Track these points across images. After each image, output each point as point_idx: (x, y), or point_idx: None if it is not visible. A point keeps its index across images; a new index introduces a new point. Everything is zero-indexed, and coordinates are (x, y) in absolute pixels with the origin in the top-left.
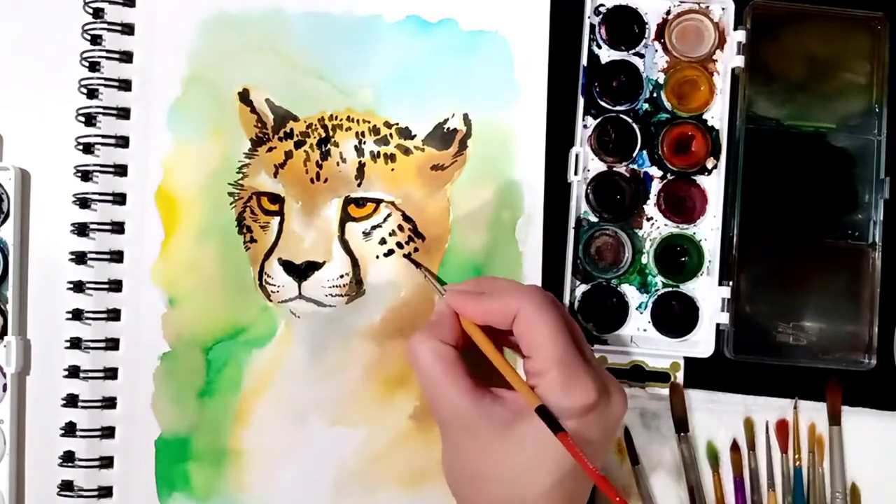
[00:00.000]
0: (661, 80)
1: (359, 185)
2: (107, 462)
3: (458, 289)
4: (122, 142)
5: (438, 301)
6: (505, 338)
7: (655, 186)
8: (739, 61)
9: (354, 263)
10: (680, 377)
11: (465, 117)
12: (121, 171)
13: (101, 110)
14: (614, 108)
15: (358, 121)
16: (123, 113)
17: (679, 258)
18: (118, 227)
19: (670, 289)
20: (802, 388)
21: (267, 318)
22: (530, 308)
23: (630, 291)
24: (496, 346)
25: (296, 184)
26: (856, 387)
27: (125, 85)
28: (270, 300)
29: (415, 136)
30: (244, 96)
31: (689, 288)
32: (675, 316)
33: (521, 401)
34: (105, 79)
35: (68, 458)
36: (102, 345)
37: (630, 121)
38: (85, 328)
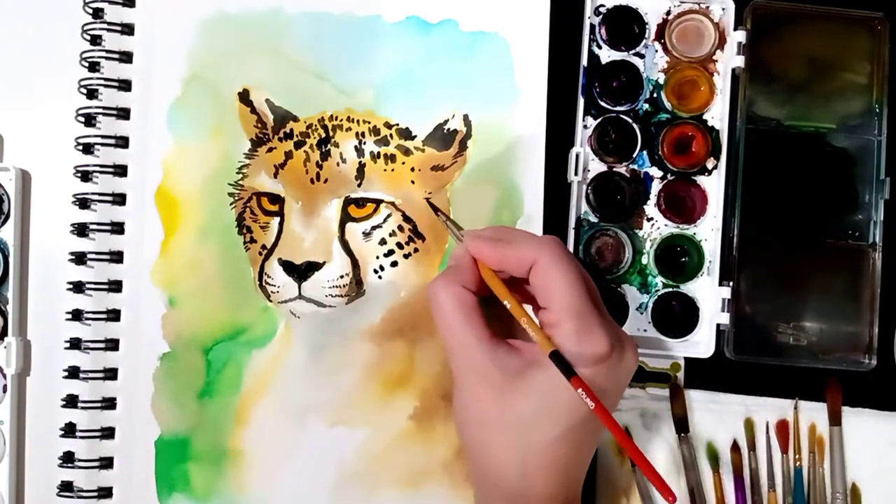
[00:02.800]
0: (661, 81)
1: (359, 185)
2: (107, 463)
3: (476, 234)
4: (122, 142)
5: (456, 246)
6: (519, 288)
7: (655, 187)
8: (739, 61)
9: (354, 264)
10: (680, 377)
11: (466, 118)
12: (121, 171)
13: (100, 110)
14: (614, 109)
15: (358, 121)
16: (123, 113)
17: (679, 258)
18: (118, 228)
19: (670, 289)
20: (802, 389)
21: (267, 318)
22: (548, 258)
23: (630, 292)
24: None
25: (296, 184)
26: (856, 387)
27: (125, 85)
28: (270, 300)
29: (415, 136)
30: (244, 96)
31: (689, 288)
32: (675, 316)
33: (536, 352)
34: (105, 79)
35: (68, 458)
36: (102, 345)
37: (630, 121)
38: (85, 329)
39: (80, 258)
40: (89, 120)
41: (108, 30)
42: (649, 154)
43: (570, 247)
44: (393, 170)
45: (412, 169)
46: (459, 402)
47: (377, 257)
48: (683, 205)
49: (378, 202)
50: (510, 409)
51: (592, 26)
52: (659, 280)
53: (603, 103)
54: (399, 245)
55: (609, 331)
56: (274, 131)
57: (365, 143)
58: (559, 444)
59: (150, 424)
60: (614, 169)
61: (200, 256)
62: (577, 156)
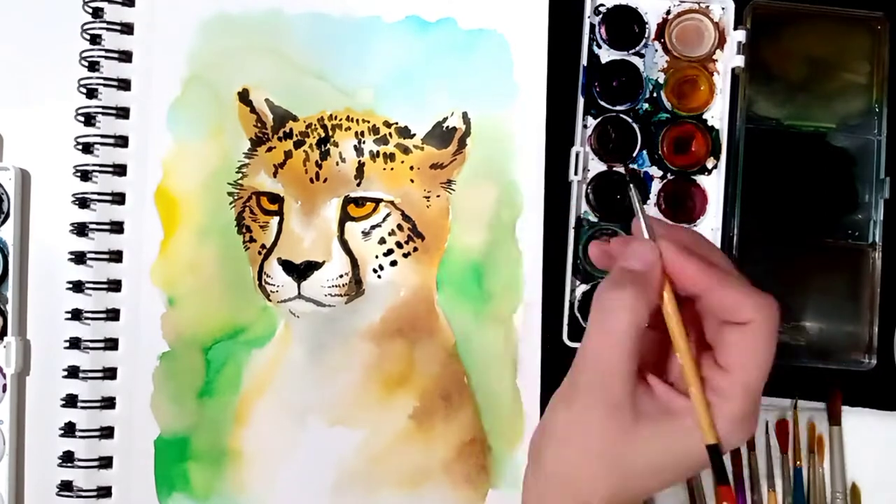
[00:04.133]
0: (661, 80)
1: (358, 184)
2: (106, 462)
3: (680, 242)
4: (122, 141)
5: (640, 243)
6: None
7: (655, 186)
8: (739, 61)
9: (354, 263)
10: None
11: (465, 116)
12: (120, 170)
13: (100, 110)
14: (614, 108)
15: (357, 120)
16: (123, 113)
17: None
18: (117, 227)
19: None
20: (802, 388)
21: (266, 317)
22: (766, 328)
23: None
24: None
25: (295, 183)
26: (856, 387)
27: (124, 85)
28: (270, 300)
29: (414, 135)
30: (244, 96)
31: None
32: None
33: (672, 400)
34: (104, 78)
35: (68, 458)
36: (102, 345)
37: (630, 121)
38: (84, 328)
39: (79, 258)
40: (89, 119)
41: (108, 29)
42: (649, 154)
43: (570, 247)
44: (392, 168)
45: (411, 167)
46: (565, 418)
47: (376, 256)
48: (683, 204)
49: (377, 201)
50: (627, 449)
51: (592, 26)
52: None
53: (603, 103)
54: (398, 244)
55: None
56: (273, 131)
57: (364, 142)
58: (652, 490)
59: (149, 424)
60: (614, 168)
61: (200, 256)
62: (577, 155)
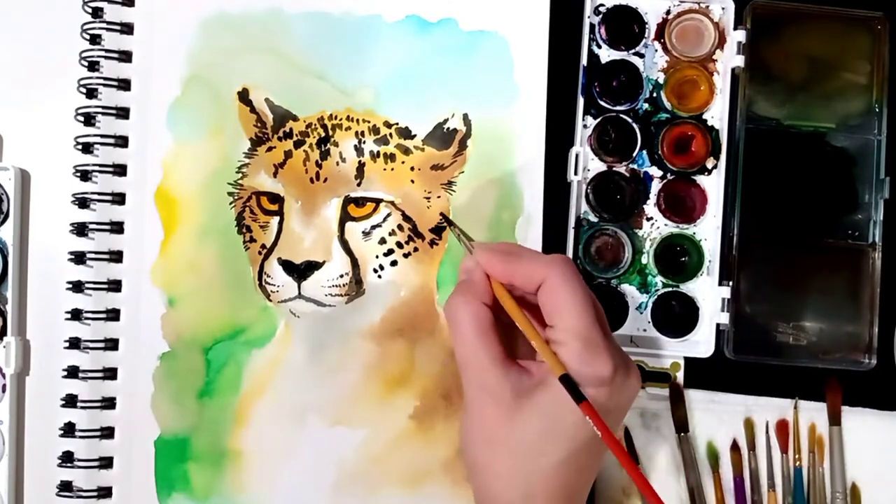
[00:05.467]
0: (661, 80)
1: (358, 184)
2: (106, 462)
3: (487, 247)
4: (122, 142)
5: (466, 258)
6: (525, 305)
7: (655, 186)
8: (739, 61)
9: (354, 263)
10: (680, 377)
11: (465, 117)
12: (120, 170)
13: (100, 110)
14: (614, 108)
15: (357, 120)
16: (123, 113)
17: (679, 258)
18: (117, 227)
19: (670, 289)
20: (802, 388)
21: (266, 317)
22: (558, 277)
23: (630, 291)
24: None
25: (295, 183)
26: (856, 387)
27: (124, 85)
28: (270, 300)
29: (414, 135)
30: (244, 96)
31: (689, 288)
32: (675, 316)
33: (544, 372)
34: (104, 78)
35: (67, 458)
36: (102, 345)
37: (630, 121)
38: (84, 328)
39: (79, 258)
40: (89, 119)
41: (108, 29)
42: (649, 154)
43: (570, 247)
44: (392, 169)
45: (412, 168)
46: (468, 422)
47: (377, 256)
48: (683, 204)
49: (378, 201)
50: (517, 430)
51: (592, 26)
52: (659, 280)
53: (603, 103)
54: (399, 244)
55: (614, 353)
56: (273, 131)
57: (364, 142)
58: (563, 467)
59: (149, 424)
60: (614, 168)
61: (200, 256)
62: (577, 155)
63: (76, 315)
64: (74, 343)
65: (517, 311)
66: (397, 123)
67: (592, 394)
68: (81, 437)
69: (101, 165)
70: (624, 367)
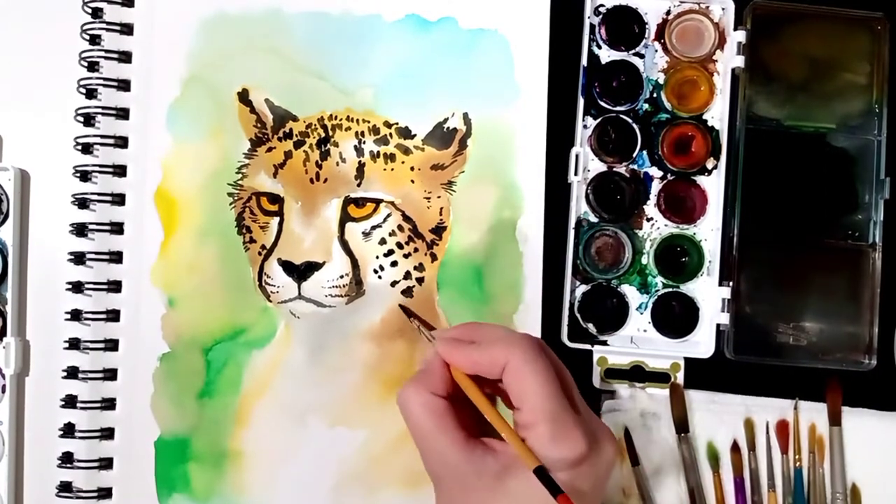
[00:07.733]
0: (661, 81)
1: (358, 185)
2: (106, 463)
3: (447, 336)
4: (121, 142)
5: (428, 349)
6: (495, 386)
7: (655, 187)
8: (739, 61)
9: (354, 264)
10: (680, 378)
11: (465, 116)
12: (120, 171)
13: (100, 110)
14: (614, 109)
15: (357, 120)
16: (122, 113)
17: (679, 258)
18: (117, 228)
19: (670, 289)
20: (802, 389)
21: (267, 318)
22: (519, 359)
23: (630, 292)
24: (488, 394)
25: (295, 184)
26: (856, 387)
27: (124, 85)
28: (270, 301)
29: (414, 135)
30: (243, 96)
31: (689, 288)
32: (675, 316)
33: (513, 452)
34: (104, 79)
35: (67, 459)
36: (101, 345)
37: (630, 121)
38: (84, 329)
39: (79, 258)
40: (88, 120)
41: (108, 29)
42: (649, 154)
43: (570, 247)
44: (393, 169)
45: (412, 168)
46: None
47: (377, 257)
48: (683, 205)
49: (378, 202)
50: None
51: (592, 26)
52: (659, 280)
53: (603, 103)
54: (399, 245)
55: (585, 430)
56: (273, 131)
57: (364, 142)
58: None
59: (149, 425)
60: (614, 169)
61: (200, 257)
62: (577, 156)
63: (76, 315)
64: (74, 343)
65: (483, 402)
66: (397, 123)
67: (564, 478)
68: (81, 437)
69: (100, 166)
70: (595, 441)
